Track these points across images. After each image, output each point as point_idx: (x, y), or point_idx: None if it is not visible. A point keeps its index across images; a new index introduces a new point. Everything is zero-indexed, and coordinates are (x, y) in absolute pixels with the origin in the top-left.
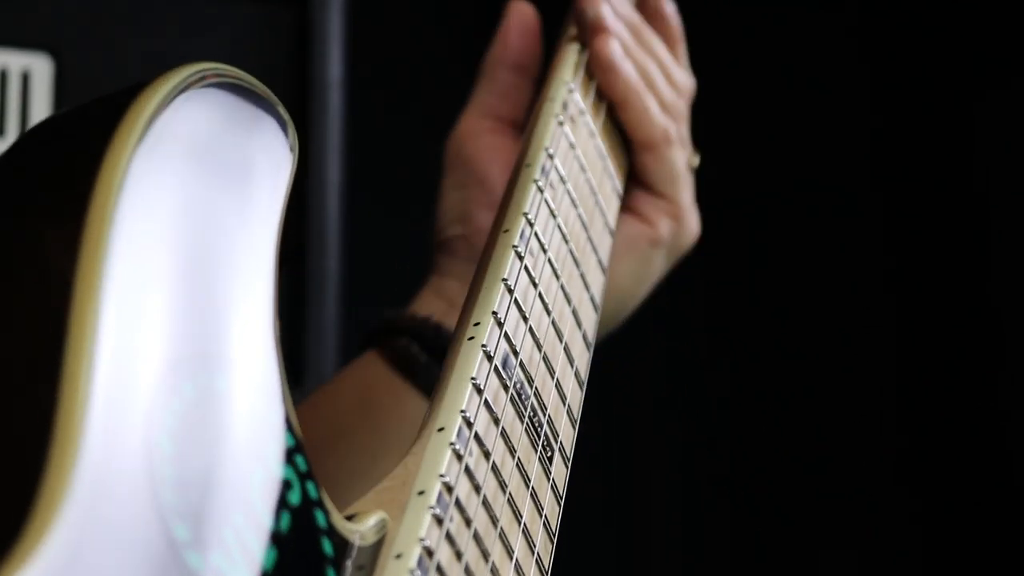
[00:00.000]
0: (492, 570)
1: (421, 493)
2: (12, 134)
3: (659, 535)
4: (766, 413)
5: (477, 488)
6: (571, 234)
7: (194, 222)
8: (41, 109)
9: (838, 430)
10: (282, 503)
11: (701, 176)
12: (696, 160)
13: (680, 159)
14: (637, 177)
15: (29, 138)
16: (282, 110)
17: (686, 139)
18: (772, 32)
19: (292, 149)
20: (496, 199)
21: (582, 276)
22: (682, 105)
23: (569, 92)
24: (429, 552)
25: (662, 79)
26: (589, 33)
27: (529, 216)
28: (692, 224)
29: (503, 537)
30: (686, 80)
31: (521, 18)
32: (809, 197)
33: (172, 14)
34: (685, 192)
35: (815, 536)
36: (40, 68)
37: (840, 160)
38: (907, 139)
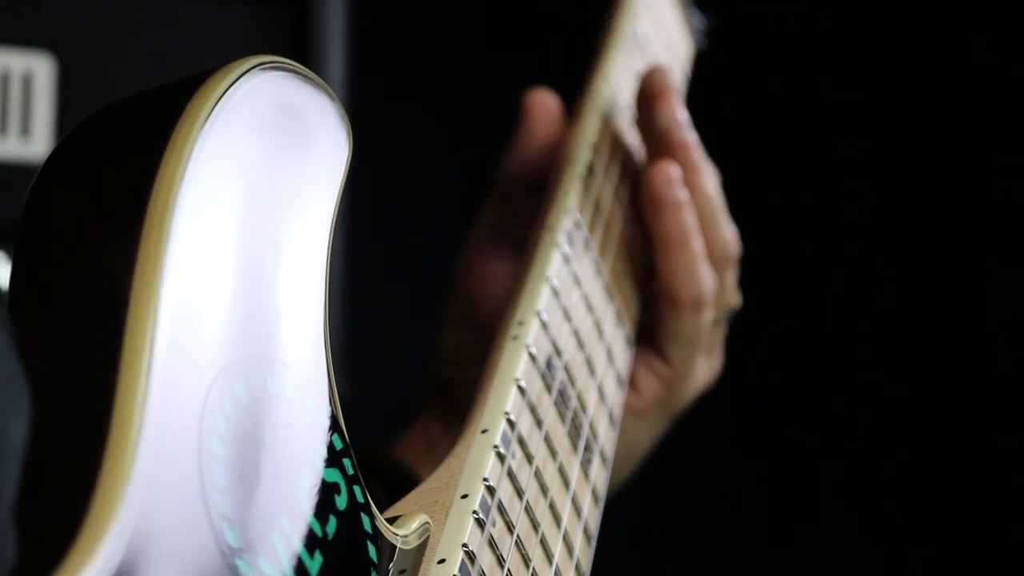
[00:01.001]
0: (532, 575)
1: (464, 496)
2: (14, 133)
3: (671, 540)
4: (767, 418)
5: (519, 492)
6: (618, 232)
7: (253, 220)
8: (43, 108)
9: (837, 434)
10: (329, 507)
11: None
12: (736, 303)
13: (705, 323)
14: (646, 328)
15: (86, 128)
16: (338, 104)
17: (731, 287)
18: (772, 24)
19: (348, 144)
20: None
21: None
22: (732, 251)
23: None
24: (471, 557)
25: (715, 223)
26: (659, 149)
27: (575, 216)
28: (695, 385)
29: (544, 542)
30: (731, 231)
31: (545, 118)
32: (806, 197)
33: (173, 14)
34: (695, 356)
35: (817, 539)
36: (42, 67)
37: (842, 159)
38: (910, 132)
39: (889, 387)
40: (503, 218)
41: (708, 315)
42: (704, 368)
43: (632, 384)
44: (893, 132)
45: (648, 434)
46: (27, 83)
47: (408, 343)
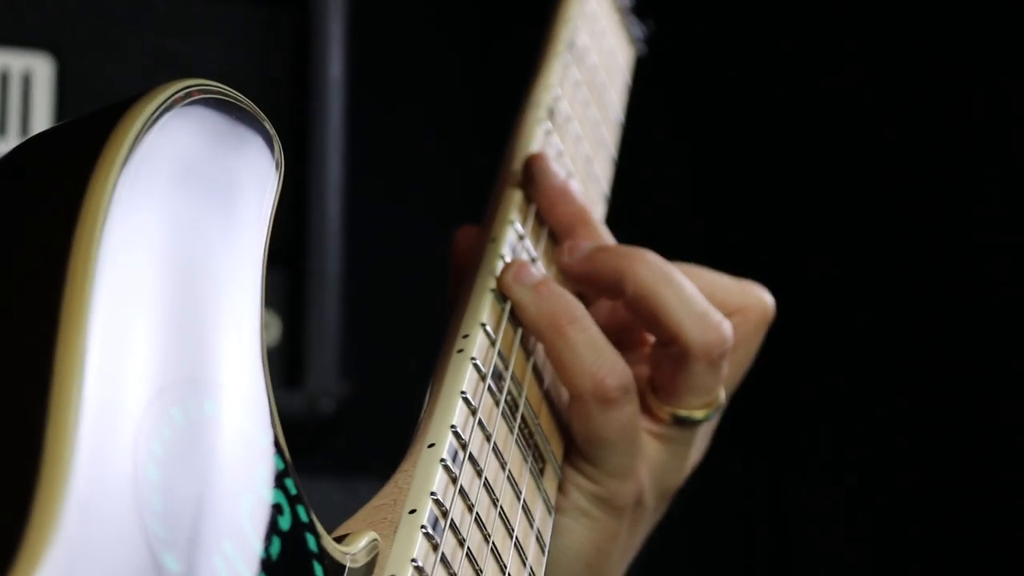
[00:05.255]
0: None
1: (412, 512)
2: (13, 133)
3: (665, 542)
4: (759, 416)
5: (468, 504)
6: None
7: (180, 246)
8: (43, 108)
9: (835, 435)
10: (272, 528)
11: (694, 178)
12: (720, 401)
13: (628, 419)
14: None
15: (10, 162)
16: (268, 125)
17: (703, 382)
18: (771, 28)
19: (278, 165)
20: None
21: None
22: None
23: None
24: (421, 572)
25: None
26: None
27: (516, 226)
28: (628, 493)
29: (495, 552)
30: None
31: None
32: (805, 198)
33: (173, 14)
34: (631, 458)
35: (811, 538)
36: (42, 68)
37: (839, 160)
38: (906, 135)
39: (883, 384)
40: None
41: (629, 410)
42: (668, 466)
43: (561, 487)
44: (887, 129)
45: (586, 533)
46: (27, 83)
47: (408, 343)
